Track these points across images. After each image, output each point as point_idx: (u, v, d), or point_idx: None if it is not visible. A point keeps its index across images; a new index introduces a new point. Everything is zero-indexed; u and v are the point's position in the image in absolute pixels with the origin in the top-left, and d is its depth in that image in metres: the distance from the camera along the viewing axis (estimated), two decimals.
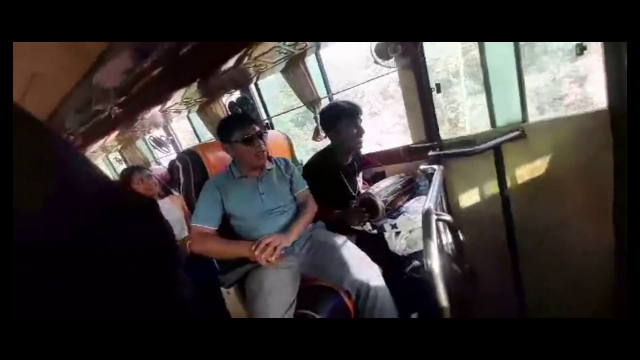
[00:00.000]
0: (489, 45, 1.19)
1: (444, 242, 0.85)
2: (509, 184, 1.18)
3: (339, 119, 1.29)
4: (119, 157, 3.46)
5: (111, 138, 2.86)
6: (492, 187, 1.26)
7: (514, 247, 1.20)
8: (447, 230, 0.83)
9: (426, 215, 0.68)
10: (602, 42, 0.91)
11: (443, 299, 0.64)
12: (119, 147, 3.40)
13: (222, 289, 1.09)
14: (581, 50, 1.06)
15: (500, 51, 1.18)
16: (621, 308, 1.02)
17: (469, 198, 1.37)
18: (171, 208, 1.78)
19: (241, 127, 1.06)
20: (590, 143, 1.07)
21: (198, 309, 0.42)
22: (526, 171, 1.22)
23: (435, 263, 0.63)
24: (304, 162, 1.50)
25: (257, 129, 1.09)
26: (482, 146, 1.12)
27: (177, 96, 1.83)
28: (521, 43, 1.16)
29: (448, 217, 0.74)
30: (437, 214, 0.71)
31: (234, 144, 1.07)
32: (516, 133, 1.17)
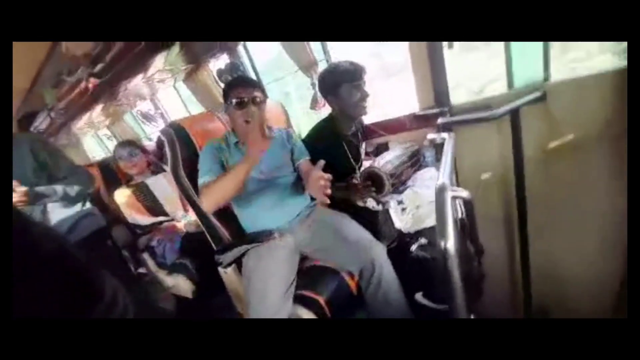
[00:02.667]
0: None
1: (458, 220, 0.77)
2: (525, 152, 1.08)
3: (341, 83, 1.15)
4: (109, 133, 3.32)
5: (96, 112, 2.70)
6: (505, 157, 1.16)
7: (524, 220, 1.14)
8: (462, 207, 0.75)
9: (440, 191, 0.59)
10: None
11: (457, 281, 0.57)
12: (107, 122, 3.24)
13: (220, 269, 1.04)
14: None
15: None
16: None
17: (479, 169, 1.28)
18: (164, 185, 1.70)
19: (235, 89, 1.00)
20: (615, 103, 0.94)
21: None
22: (545, 138, 1.11)
23: (451, 244, 0.55)
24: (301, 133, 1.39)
25: (255, 94, 1.00)
26: (499, 110, 1.00)
27: (159, 62, 1.66)
28: None
29: (465, 194, 0.65)
30: (453, 190, 0.62)
31: (229, 107, 1.02)
32: (537, 94, 1.04)
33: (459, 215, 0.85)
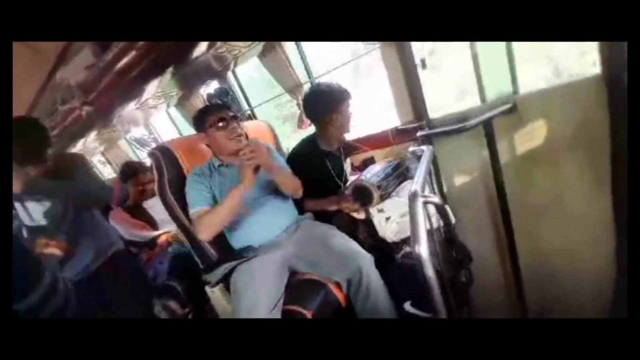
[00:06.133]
0: None
1: (434, 225, 0.80)
2: (502, 159, 1.12)
3: (325, 104, 1.21)
4: (103, 159, 3.35)
5: (90, 139, 2.74)
6: (486, 164, 1.21)
7: (509, 225, 1.17)
8: (437, 213, 0.78)
9: (412, 198, 0.62)
10: None
11: (434, 286, 0.59)
12: (102, 148, 3.29)
13: (207, 288, 1.03)
14: None
15: None
16: (622, 279, 1.00)
17: (462, 177, 1.32)
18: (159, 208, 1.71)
19: (212, 113, 1.06)
20: (582, 110, 1.00)
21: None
22: (519, 145, 1.16)
23: (423, 248, 0.57)
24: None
25: (230, 113, 1.08)
26: (471, 122, 1.05)
27: (151, 89, 1.73)
28: None
29: (436, 199, 0.68)
30: (424, 196, 0.65)
31: (209, 131, 1.06)
32: (507, 106, 1.11)
33: (440, 223, 0.87)
